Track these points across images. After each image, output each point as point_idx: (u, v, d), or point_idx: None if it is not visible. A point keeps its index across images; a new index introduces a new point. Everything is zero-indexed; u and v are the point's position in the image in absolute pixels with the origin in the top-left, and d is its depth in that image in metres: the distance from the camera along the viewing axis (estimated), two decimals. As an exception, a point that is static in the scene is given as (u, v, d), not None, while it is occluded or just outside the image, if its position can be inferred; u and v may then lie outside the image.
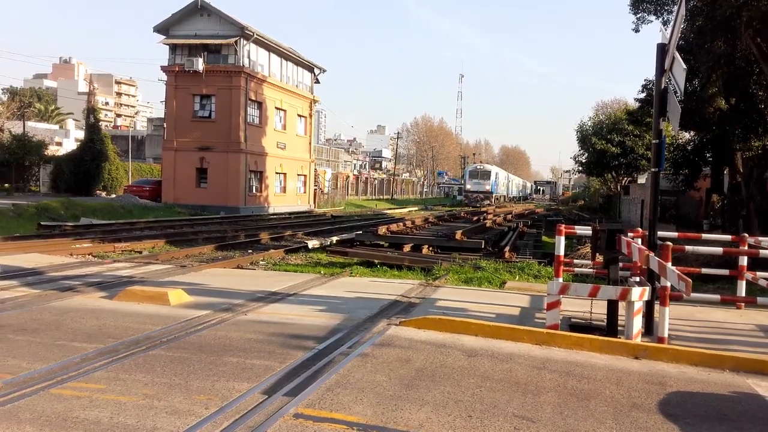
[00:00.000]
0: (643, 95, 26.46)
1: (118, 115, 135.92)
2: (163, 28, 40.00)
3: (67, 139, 78.65)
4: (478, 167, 76.33)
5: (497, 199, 76.43)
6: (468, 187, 74.33)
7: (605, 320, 8.64)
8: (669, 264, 7.81)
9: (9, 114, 61.28)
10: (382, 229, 21.07)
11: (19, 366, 6.44)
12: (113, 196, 43.40)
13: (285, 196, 46.07)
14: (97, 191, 45.95)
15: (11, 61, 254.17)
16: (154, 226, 25.86)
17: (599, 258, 9.66)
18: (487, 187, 72.18)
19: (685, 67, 8.36)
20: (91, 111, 47.65)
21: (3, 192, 41.28)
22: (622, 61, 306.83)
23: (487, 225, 29.45)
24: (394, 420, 5.35)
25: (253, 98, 40.81)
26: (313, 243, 19.91)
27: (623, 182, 48.28)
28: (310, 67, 50.11)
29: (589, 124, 49.60)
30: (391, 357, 7.29)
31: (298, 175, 48.56)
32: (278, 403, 5.64)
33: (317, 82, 51.54)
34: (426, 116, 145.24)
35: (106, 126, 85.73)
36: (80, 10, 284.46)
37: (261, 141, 42.10)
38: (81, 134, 57.41)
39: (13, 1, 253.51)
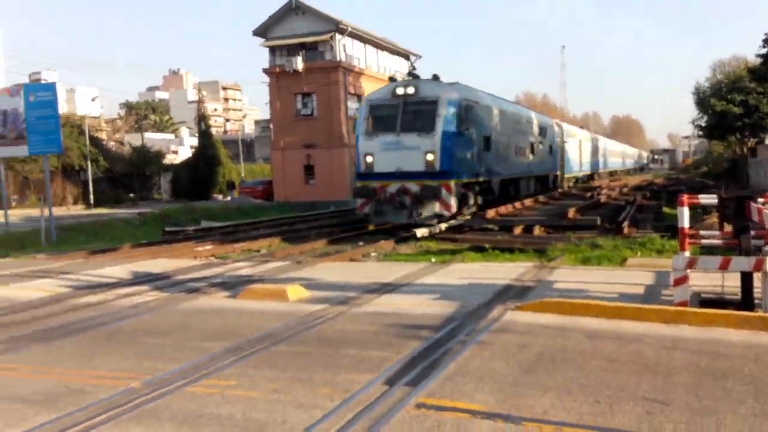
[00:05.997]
0: (765, 50, 24.54)
1: (227, 120, 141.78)
2: (261, 31, 41.18)
3: (182, 147, 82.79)
4: (399, 91, 19.33)
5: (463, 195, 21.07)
6: (368, 159, 19.49)
7: (739, 294, 8.08)
8: (809, 229, 7.19)
9: (128, 127, 65.60)
10: (490, 213, 20.74)
11: (154, 367, 6.84)
12: (228, 198, 45.36)
13: (391, 186, 46.35)
14: (214, 195, 48.21)
15: (124, 77, 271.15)
16: (269, 225, 26.72)
17: (728, 228, 9.06)
18: (430, 157, 18.52)
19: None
20: (202, 118, 50.08)
21: (129, 202, 44.19)
22: (736, 18, 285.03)
23: (602, 201, 28.35)
24: (517, 407, 5.24)
25: (352, 92, 41.28)
26: (421, 231, 19.87)
27: (749, 144, 45.02)
28: (405, 55, 50.07)
29: (707, 85, 46.72)
30: (508, 343, 7.15)
31: (403, 163, 48.68)
32: (399, 393, 5.67)
33: (414, 68, 51.40)
34: (528, 92, 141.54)
35: (217, 131, 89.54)
36: (182, 21, 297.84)
37: (363, 133, 42.52)
38: (194, 141, 60.35)
39: (120, 20, 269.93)
